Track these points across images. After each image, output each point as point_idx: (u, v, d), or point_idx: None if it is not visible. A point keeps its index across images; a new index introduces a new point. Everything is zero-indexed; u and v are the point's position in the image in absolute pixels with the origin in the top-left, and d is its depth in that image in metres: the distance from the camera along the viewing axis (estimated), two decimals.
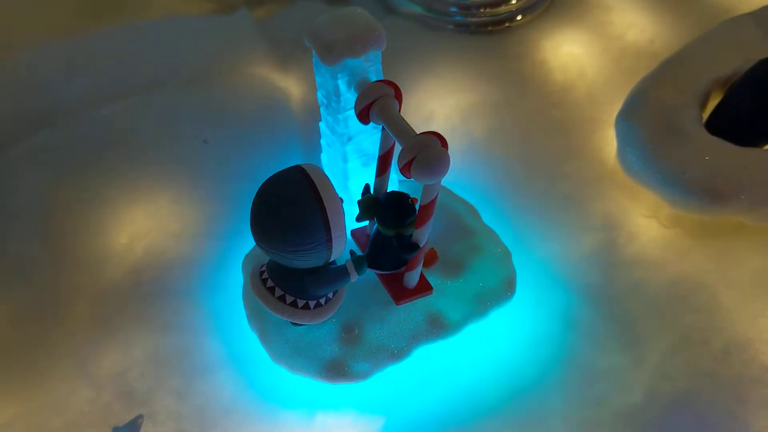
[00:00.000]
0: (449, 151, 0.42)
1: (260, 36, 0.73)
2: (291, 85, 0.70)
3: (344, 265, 0.47)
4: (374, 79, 0.47)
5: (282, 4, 0.78)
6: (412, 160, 0.41)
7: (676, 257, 0.58)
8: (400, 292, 0.50)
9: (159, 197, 0.60)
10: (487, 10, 0.79)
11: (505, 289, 0.53)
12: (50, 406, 0.49)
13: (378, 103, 0.44)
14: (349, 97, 0.47)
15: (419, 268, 0.49)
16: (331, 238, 0.44)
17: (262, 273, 0.48)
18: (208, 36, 0.71)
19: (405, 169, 0.42)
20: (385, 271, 0.50)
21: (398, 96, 0.45)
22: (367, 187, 0.50)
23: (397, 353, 0.50)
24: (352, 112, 0.48)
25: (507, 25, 0.78)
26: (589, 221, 0.60)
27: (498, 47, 0.74)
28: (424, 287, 0.50)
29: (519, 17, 0.79)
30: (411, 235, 0.47)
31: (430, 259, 0.52)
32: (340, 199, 0.44)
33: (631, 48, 0.74)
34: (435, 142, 0.41)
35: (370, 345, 0.50)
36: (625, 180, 0.62)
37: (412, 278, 0.50)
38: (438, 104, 0.68)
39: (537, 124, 0.67)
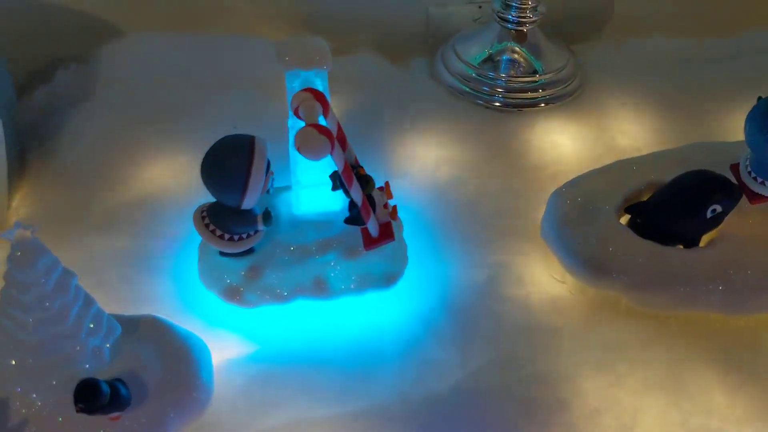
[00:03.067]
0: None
1: None
2: None
3: (257, 215, 0.63)
4: (321, 89, 0.64)
5: (351, 54, 0.98)
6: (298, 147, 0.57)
7: (550, 310, 0.68)
8: (368, 240, 0.65)
9: (184, 157, 0.80)
10: (517, 95, 0.92)
11: (386, 281, 0.66)
12: None
13: (303, 104, 0.61)
14: None
15: (372, 221, 0.64)
16: (246, 188, 0.61)
17: (202, 210, 0.65)
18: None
19: (298, 151, 0.58)
20: (356, 225, 0.65)
21: (321, 100, 0.61)
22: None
23: (281, 297, 0.64)
24: None
25: (520, 109, 0.91)
26: (490, 260, 0.71)
27: (499, 123, 0.88)
28: (385, 236, 0.65)
29: (542, 105, 0.92)
30: None
31: (394, 213, 0.67)
32: (271, 172, 0.62)
33: (616, 150, 0.84)
34: (313, 134, 0.57)
35: (264, 284, 0.65)
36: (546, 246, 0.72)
37: (371, 228, 0.64)
38: (423, 150, 0.83)
39: (495, 185, 0.79)
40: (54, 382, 0.54)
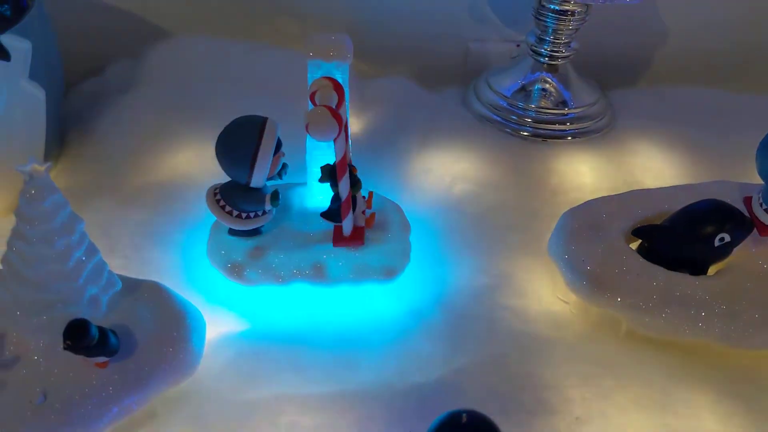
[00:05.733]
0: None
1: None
2: (353, 123, 0.91)
3: (266, 194, 0.66)
4: (341, 82, 0.66)
5: (385, 75, 1.01)
6: (308, 123, 0.60)
7: (548, 323, 0.67)
8: (338, 238, 0.67)
9: (209, 149, 0.81)
10: (545, 126, 0.93)
11: (385, 274, 0.66)
12: None
13: (321, 90, 0.63)
14: None
15: (348, 220, 0.66)
16: (254, 164, 0.63)
17: (215, 188, 0.68)
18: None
19: (306, 129, 0.60)
20: (334, 222, 0.67)
21: (338, 91, 0.63)
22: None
23: (281, 278, 0.66)
24: None
25: (545, 140, 0.92)
26: (494, 270, 0.72)
27: (523, 150, 0.89)
28: (356, 238, 0.67)
29: (569, 138, 0.92)
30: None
31: (370, 220, 0.68)
32: (282, 153, 0.65)
33: (635, 185, 0.84)
34: (324, 113, 0.59)
35: (266, 264, 0.66)
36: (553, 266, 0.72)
37: (346, 226, 0.66)
38: (442, 165, 0.85)
39: (510, 202, 0.80)
40: (48, 323, 0.56)
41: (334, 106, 0.62)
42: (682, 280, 0.66)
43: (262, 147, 0.63)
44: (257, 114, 0.66)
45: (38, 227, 0.53)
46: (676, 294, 0.65)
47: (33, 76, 0.74)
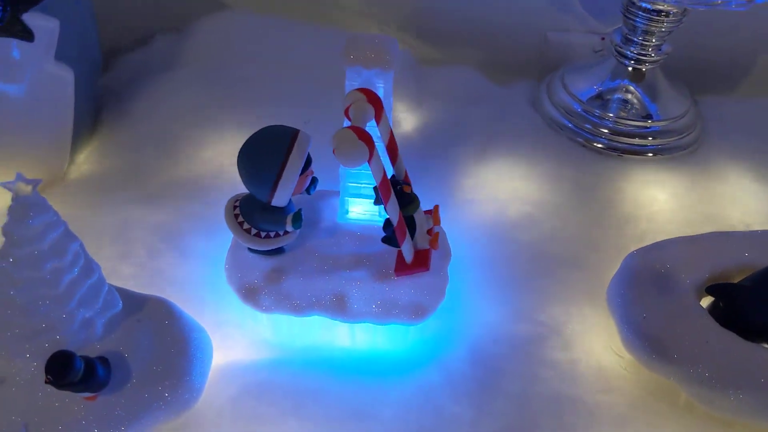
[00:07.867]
0: None
1: (406, 77, 0.87)
2: (407, 119, 0.83)
3: (287, 215, 0.59)
4: (382, 94, 0.58)
5: (451, 65, 0.92)
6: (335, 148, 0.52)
7: (595, 386, 0.59)
8: (400, 265, 0.60)
9: None
10: (623, 139, 0.83)
11: (413, 314, 0.59)
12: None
13: (355, 105, 0.56)
14: None
15: (406, 245, 0.58)
16: (277, 184, 0.56)
17: (236, 201, 0.61)
18: None
19: (334, 153, 0.53)
20: (393, 246, 0.60)
21: (374, 103, 0.56)
22: (392, 177, 0.60)
23: (298, 307, 0.59)
24: None
25: (622, 155, 0.81)
26: (540, 316, 0.63)
27: (595, 166, 0.79)
28: (419, 264, 0.59)
29: (650, 154, 0.82)
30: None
31: (434, 241, 0.60)
32: (311, 170, 0.58)
33: (722, 222, 0.73)
34: (351, 137, 0.51)
35: (283, 290, 0.60)
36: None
37: (405, 253, 0.59)
38: (500, 179, 0.76)
39: (570, 232, 0.71)
40: (34, 350, 0.51)
41: (369, 122, 0.55)
42: (760, 354, 0.57)
43: (288, 166, 0.56)
44: (286, 123, 0.58)
45: (25, 248, 0.49)
46: (753, 370, 0.56)
47: (61, 55, 0.69)
